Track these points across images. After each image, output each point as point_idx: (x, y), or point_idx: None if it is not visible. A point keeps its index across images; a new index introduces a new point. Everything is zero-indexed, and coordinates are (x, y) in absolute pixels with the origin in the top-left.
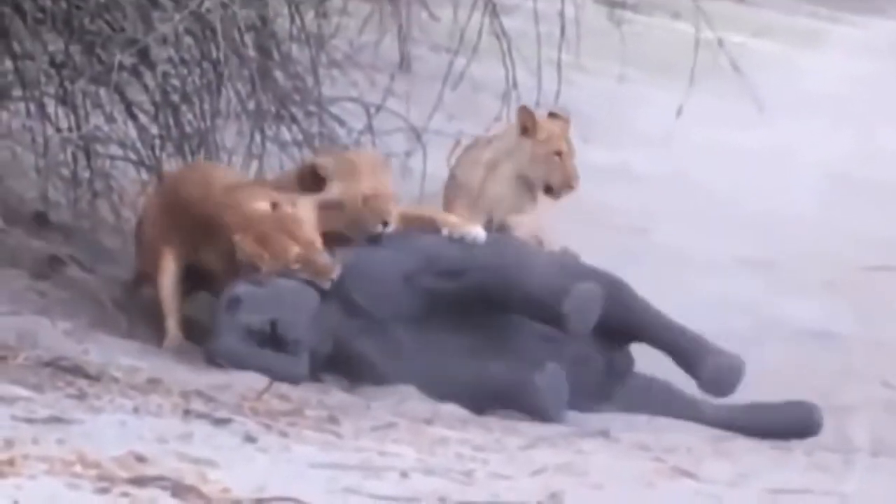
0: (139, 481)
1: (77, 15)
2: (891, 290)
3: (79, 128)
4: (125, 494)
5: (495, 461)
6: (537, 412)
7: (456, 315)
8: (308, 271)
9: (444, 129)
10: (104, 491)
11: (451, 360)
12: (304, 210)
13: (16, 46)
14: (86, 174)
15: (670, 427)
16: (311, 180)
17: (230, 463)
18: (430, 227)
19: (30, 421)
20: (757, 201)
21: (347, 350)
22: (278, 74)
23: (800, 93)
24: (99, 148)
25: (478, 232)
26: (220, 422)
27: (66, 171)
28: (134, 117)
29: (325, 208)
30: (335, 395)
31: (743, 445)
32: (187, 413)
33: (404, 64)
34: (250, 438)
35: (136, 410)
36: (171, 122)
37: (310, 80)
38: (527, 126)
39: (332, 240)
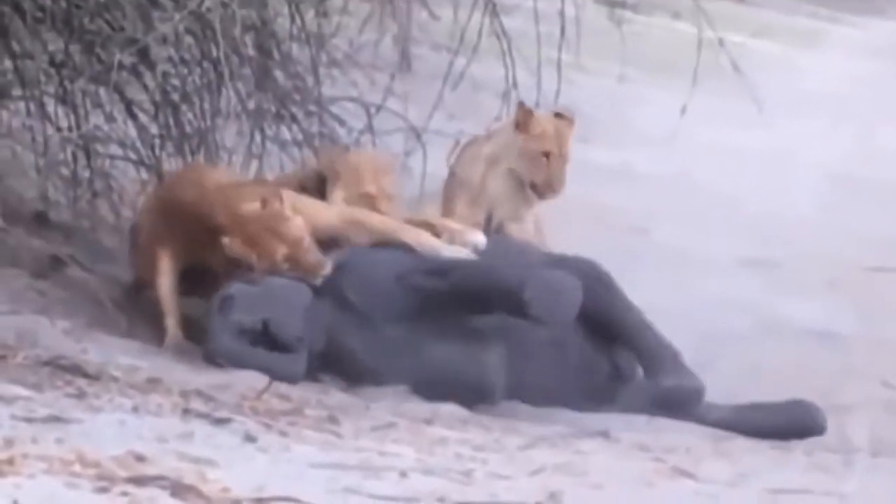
0: (138, 481)
1: (77, 14)
2: (891, 290)
3: (78, 127)
4: (124, 494)
5: (494, 461)
6: (479, 392)
7: (451, 314)
8: (297, 270)
9: (444, 128)
10: (103, 490)
11: (443, 359)
12: (306, 206)
13: (15, 46)
14: (86, 174)
15: (670, 427)
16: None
17: (230, 462)
18: (431, 232)
19: (29, 420)
20: (757, 201)
21: (339, 347)
22: (278, 74)
23: (800, 93)
24: (99, 147)
25: (478, 238)
26: (220, 421)
27: (65, 171)
28: (134, 117)
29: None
30: (335, 395)
31: (742, 445)
32: (187, 412)
33: (404, 63)
34: (250, 438)
35: (135, 410)
36: (171, 121)
37: (310, 80)
38: (521, 122)
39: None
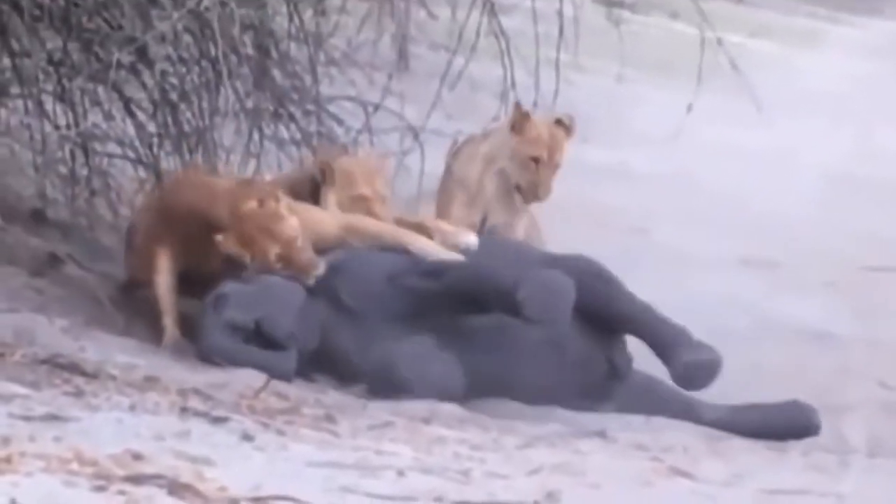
0: (136, 479)
1: (75, 13)
2: (890, 290)
3: (77, 125)
4: (122, 492)
5: (492, 460)
6: (391, 386)
7: (445, 315)
8: (290, 269)
9: (442, 128)
10: (101, 489)
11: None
12: (305, 215)
13: (14, 44)
14: (84, 172)
15: (667, 427)
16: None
17: (227, 461)
18: (424, 234)
19: (27, 418)
20: (756, 201)
21: (333, 347)
22: (276, 73)
23: (799, 93)
24: (97, 146)
25: (470, 240)
26: (218, 420)
27: (63, 169)
28: (132, 115)
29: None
30: (332, 394)
31: (739, 445)
32: (184, 411)
33: (402, 63)
34: (247, 437)
35: (132, 408)
36: (170, 120)
37: (308, 79)
38: (516, 123)
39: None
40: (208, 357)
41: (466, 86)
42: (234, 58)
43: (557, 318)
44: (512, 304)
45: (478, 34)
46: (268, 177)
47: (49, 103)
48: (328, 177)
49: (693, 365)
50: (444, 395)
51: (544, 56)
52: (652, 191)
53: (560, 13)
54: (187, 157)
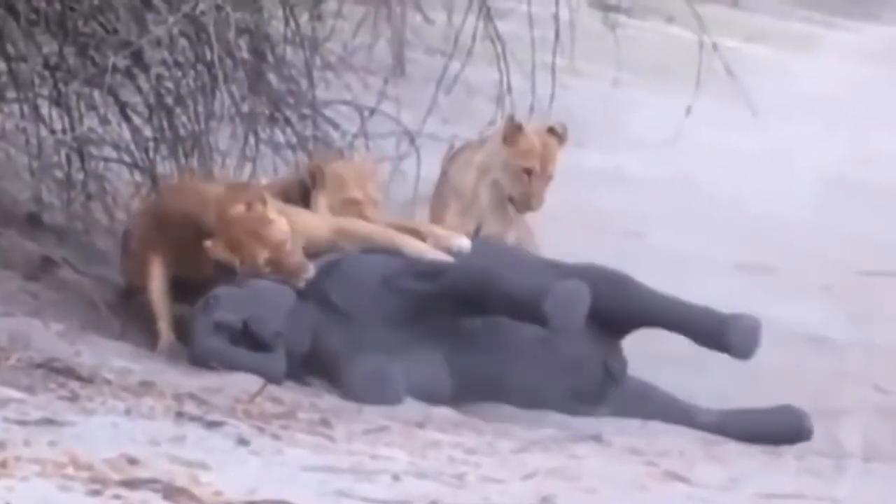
0: (131, 483)
1: (71, 17)
2: (885, 294)
3: (73, 129)
4: (117, 497)
5: (487, 465)
6: (378, 397)
7: (437, 317)
8: (280, 273)
9: (438, 132)
10: (96, 493)
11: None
12: (296, 219)
13: (10, 48)
14: (79, 176)
15: (663, 431)
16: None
17: (222, 465)
18: (418, 238)
19: (22, 423)
20: (752, 205)
21: (324, 350)
22: (272, 77)
23: (794, 97)
24: (93, 150)
25: (463, 243)
26: (213, 424)
27: (59, 173)
28: (128, 119)
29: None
30: (327, 398)
31: (735, 450)
32: (180, 415)
33: (398, 67)
34: (243, 441)
35: (128, 412)
36: (165, 124)
37: (304, 83)
38: (508, 135)
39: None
40: (198, 359)
41: (462, 90)
42: (229, 62)
43: (576, 326)
44: (536, 314)
45: (474, 38)
46: (263, 181)
47: (45, 107)
48: (318, 181)
49: (745, 334)
50: (431, 402)
51: (540, 60)
52: (647, 195)
53: (556, 17)
54: (183, 161)
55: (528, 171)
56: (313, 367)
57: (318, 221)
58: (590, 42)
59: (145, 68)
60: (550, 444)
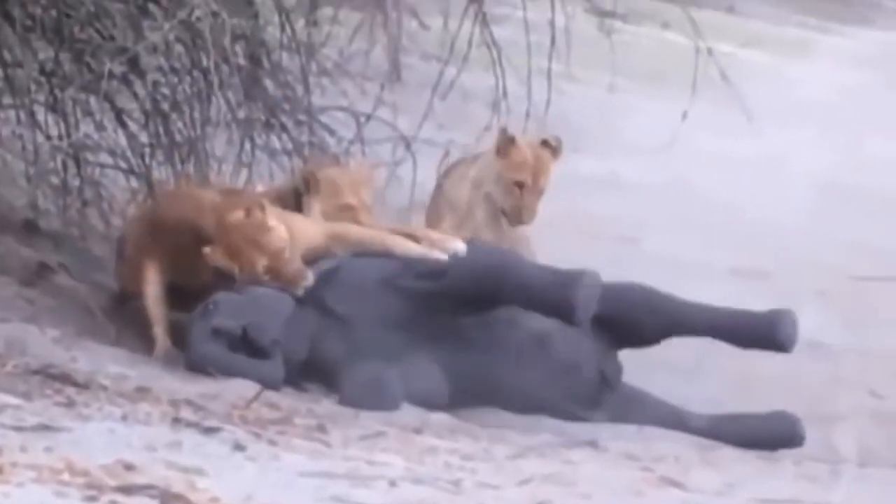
0: (127, 489)
1: (67, 23)
2: (880, 299)
3: (69, 136)
4: (113, 502)
5: (483, 471)
6: (374, 404)
7: (437, 319)
8: (278, 280)
9: (434, 138)
10: (92, 499)
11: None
12: (292, 225)
13: (6, 54)
14: (75, 182)
15: (658, 436)
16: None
17: (219, 471)
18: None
19: (18, 429)
20: (747, 210)
21: (323, 356)
22: (268, 83)
23: (789, 102)
24: (89, 156)
25: (458, 246)
26: (209, 430)
27: (55, 179)
28: (124, 125)
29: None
30: (324, 404)
31: (730, 455)
32: (176, 421)
33: (394, 73)
34: (239, 447)
35: (124, 418)
36: (161, 130)
37: (300, 89)
38: (500, 148)
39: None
40: (195, 365)
41: (458, 96)
42: (225, 68)
43: (590, 316)
44: (563, 305)
45: (470, 44)
46: (259, 188)
47: (41, 114)
48: (312, 187)
49: (792, 327)
50: (427, 408)
51: (536, 66)
52: (642, 200)
53: (552, 23)
54: (179, 167)
55: (520, 185)
56: (311, 373)
57: (313, 227)
58: (585, 47)
59: (141, 74)
60: (546, 449)
